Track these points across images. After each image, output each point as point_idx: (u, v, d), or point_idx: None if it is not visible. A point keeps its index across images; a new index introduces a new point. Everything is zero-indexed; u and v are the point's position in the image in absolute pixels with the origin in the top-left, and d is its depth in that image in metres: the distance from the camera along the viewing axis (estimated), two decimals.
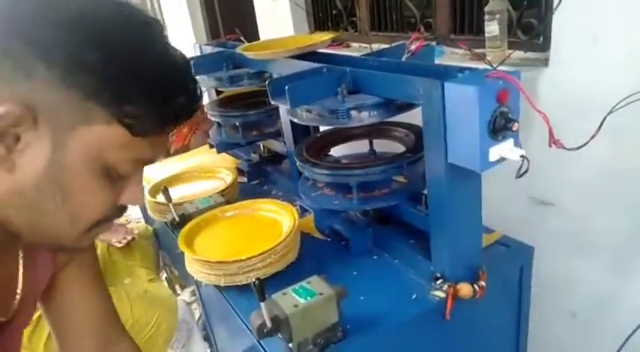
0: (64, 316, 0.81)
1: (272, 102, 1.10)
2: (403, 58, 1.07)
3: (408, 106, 1.02)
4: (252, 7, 2.63)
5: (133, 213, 2.16)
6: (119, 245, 1.74)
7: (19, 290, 0.65)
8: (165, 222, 1.47)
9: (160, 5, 4.43)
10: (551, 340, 1.48)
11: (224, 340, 1.46)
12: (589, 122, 0.93)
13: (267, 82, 1.06)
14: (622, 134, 1.07)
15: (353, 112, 1.02)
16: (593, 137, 0.89)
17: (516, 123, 0.81)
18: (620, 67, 1.09)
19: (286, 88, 0.99)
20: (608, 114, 0.92)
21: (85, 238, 0.58)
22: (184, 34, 3.78)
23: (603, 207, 1.25)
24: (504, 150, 0.83)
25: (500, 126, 0.81)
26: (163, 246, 1.90)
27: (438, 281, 1.03)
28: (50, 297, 0.78)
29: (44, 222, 0.53)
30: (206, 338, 1.62)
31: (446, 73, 0.88)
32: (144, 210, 1.93)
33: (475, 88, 0.78)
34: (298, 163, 1.22)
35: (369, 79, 1.01)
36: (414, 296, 1.04)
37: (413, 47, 1.06)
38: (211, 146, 1.77)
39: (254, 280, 0.83)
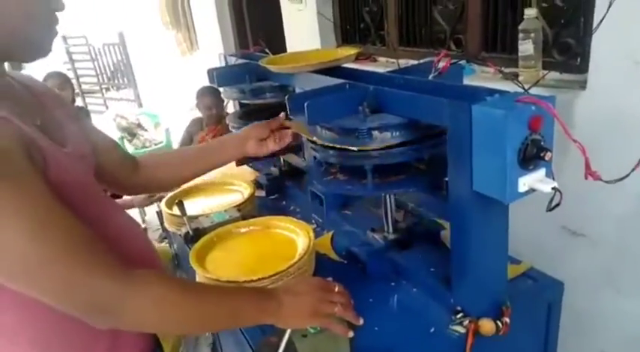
0: None
1: (291, 118, 1.07)
2: (430, 77, 1.02)
3: (433, 128, 0.97)
4: (281, 18, 2.62)
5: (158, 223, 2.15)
6: None
7: None
8: (180, 235, 1.45)
9: (191, 15, 4.49)
10: None
11: None
12: (629, 151, 0.86)
13: (286, 98, 1.02)
14: None
15: (374, 132, 0.98)
16: (634, 169, 0.82)
17: (549, 153, 0.75)
18: None
19: (305, 104, 0.95)
20: None
21: (49, 35, 0.73)
22: (213, 43, 3.81)
23: None
24: (535, 180, 0.77)
25: (531, 155, 0.75)
26: (181, 260, 1.87)
27: (459, 315, 0.97)
28: None
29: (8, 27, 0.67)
30: (213, 349, 1.59)
31: (474, 95, 0.83)
32: (161, 220, 1.91)
33: (504, 112, 0.73)
34: (310, 145, 1.16)
35: (392, 99, 0.96)
36: (432, 330, 0.97)
37: (440, 66, 1.00)
38: None
39: None
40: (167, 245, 2.14)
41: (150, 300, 0.69)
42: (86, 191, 0.80)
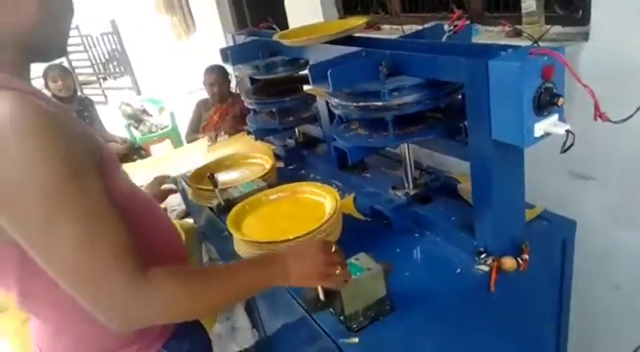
0: None
1: (313, 87, 1.13)
2: (444, 38, 1.08)
3: (450, 85, 1.04)
4: None
5: (177, 202, 2.24)
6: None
7: None
8: (211, 208, 1.53)
9: None
10: (596, 312, 1.49)
11: (269, 314, 1.51)
12: (631, 95, 0.93)
13: (308, 67, 1.09)
14: None
15: (395, 93, 1.05)
16: (638, 110, 0.89)
17: (562, 99, 0.82)
18: None
19: (329, 72, 1.02)
20: None
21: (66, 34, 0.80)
22: (211, 23, 3.83)
23: None
24: (549, 125, 0.85)
25: (545, 102, 0.82)
26: (207, 235, 1.96)
27: (482, 256, 1.06)
28: None
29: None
30: (247, 310, 1.69)
31: (488, 52, 0.90)
32: (186, 199, 1.99)
33: (519, 65, 0.80)
34: (331, 103, 1.23)
35: (410, 61, 1.03)
36: (459, 271, 1.07)
37: (455, 26, 1.07)
38: (249, 133, 1.81)
39: None
40: (190, 220, 2.22)
41: (160, 304, 0.72)
42: (118, 181, 0.85)
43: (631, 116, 0.89)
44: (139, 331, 0.85)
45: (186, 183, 1.88)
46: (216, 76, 3.06)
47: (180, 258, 1.04)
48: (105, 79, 8.08)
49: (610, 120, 0.85)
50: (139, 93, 6.68)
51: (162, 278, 0.73)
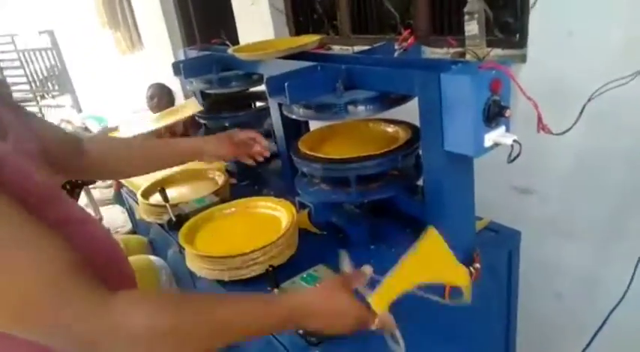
0: None
1: (270, 99, 1.14)
2: (395, 54, 1.13)
3: (402, 99, 1.08)
4: (229, 13, 2.66)
5: (121, 223, 2.13)
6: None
7: None
8: (161, 225, 1.48)
9: (131, 13, 4.39)
10: (539, 320, 1.56)
11: None
12: (567, 112, 1.00)
13: (265, 80, 1.09)
14: (598, 121, 1.14)
15: (350, 107, 1.07)
16: (576, 122, 0.96)
17: (509, 110, 0.87)
18: (594, 57, 1.18)
19: (286, 84, 1.03)
20: (588, 100, 0.99)
21: None
22: (159, 40, 3.76)
23: (582, 192, 1.34)
24: (498, 136, 0.90)
25: (494, 114, 0.87)
26: (158, 252, 1.88)
27: None
28: None
29: None
30: None
31: (440, 66, 0.94)
32: (133, 217, 1.91)
33: (470, 77, 0.84)
34: (295, 160, 1.25)
35: (365, 75, 1.05)
36: None
37: (405, 44, 1.11)
38: None
39: (269, 267, 0.86)
40: (137, 235, 2.11)
41: (142, 328, 0.59)
42: (40, 191, 0.69)
43: (569, 129, 0.95)
44: None
45: (134, 200, 1.81)
46: (155, 90, 3.14)
47: (126, 275, 0.89)
48: (43, 97, 7.67)
49: (552, 132, 0.91)
50: (80, 111, 6.39)
51: (141, 297, 0.61)
